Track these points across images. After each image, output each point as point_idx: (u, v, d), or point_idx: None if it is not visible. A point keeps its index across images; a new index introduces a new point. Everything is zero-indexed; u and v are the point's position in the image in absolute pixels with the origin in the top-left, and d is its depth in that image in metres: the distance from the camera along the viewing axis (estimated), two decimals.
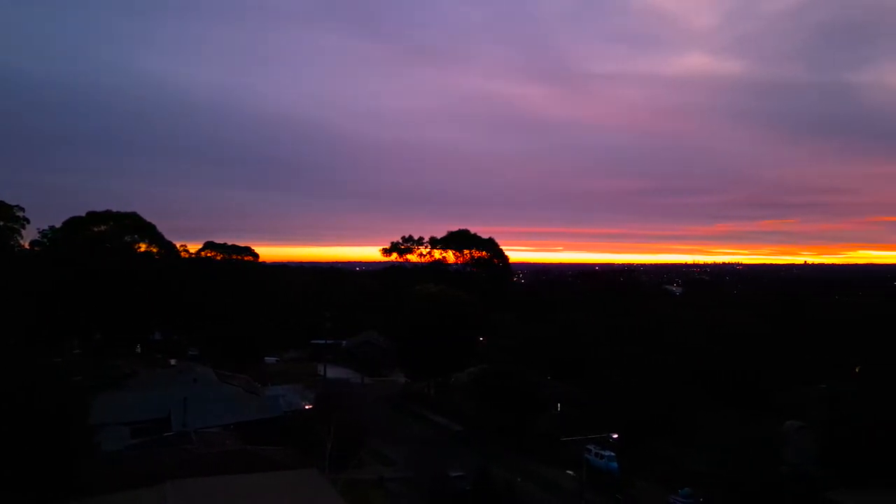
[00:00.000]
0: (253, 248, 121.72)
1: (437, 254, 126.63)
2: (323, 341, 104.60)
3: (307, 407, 60.16)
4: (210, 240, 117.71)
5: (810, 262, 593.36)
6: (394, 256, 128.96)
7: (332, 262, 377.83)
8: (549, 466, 57.07)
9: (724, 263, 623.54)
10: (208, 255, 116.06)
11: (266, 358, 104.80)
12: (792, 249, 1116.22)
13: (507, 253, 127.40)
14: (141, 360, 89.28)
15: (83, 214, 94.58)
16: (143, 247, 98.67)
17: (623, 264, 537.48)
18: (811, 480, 48.55)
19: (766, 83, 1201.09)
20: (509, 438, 64.62)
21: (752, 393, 65.61)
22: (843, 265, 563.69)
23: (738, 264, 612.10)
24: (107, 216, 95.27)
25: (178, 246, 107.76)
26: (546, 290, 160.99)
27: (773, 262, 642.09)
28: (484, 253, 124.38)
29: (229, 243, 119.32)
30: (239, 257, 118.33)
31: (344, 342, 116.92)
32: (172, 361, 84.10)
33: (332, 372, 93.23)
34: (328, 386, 74.78)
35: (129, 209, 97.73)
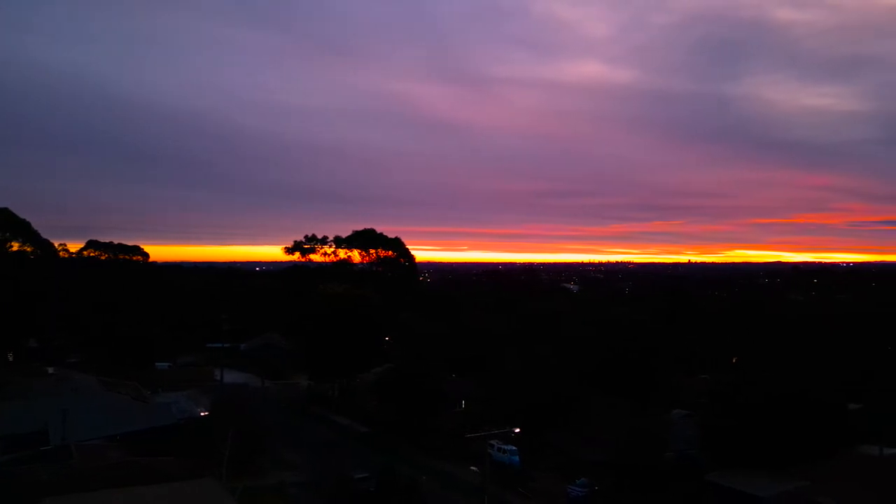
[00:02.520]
0: (142, 247, 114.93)
1: (342, 253, 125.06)
2: (220, 345, 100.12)
3: (202, 414, 57.49)
4: (94, 238, 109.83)
5: (694, 261, 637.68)
6: (296, 256, 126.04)
7: (231, 262, 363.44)
8: (453, 463, 57.76)
9: (617, 262, 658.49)
10: (92, 254, 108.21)
11: (157, 364, 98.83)
12: (678, 249, 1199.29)
13: (413, 252, 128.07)
14: (14, 368, 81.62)
15: None
16: (15, 246, 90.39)
17: (525, 263, 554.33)
18: (694, 465, 52.14)
19: (656, 92, 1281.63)
20: (414, 437, 64.79)
21: (642, 384, 69.46)
22: (722, 263, 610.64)
23: (630, 263, 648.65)
24: None
25: (56, 245, 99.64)
26: (451, 289, 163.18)
27: (661, 260, 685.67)
28: (390, 252, 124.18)
29: (116, 242, 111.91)
30: (127, 257, 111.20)
31: (243, 345, 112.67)
32: (50, 370, 77.43)
33: (230, 376, 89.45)
34: (225, 391, 71.79)
35: None
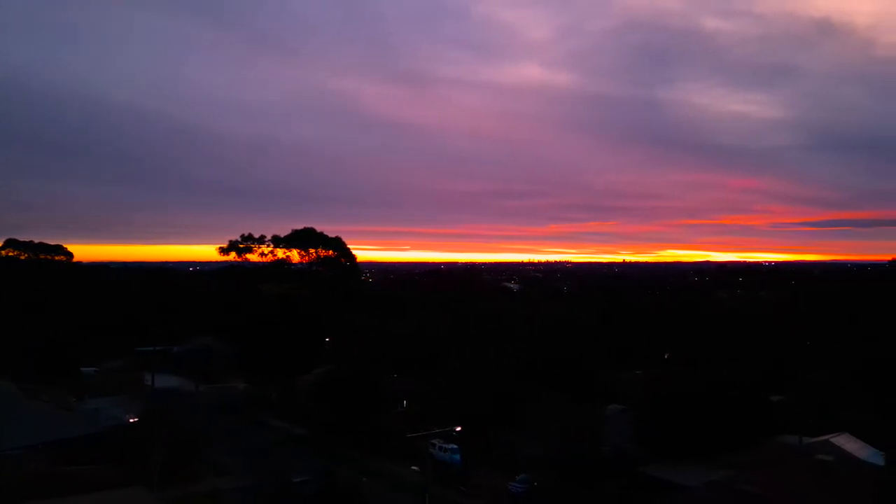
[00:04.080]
0: (65, 246, 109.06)
1: (280, 253, 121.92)
2: (151, 348, 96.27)
3: (132, 420, 55.22)
4: (13, 237, 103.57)
5: (628, 260, 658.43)
6: (232, 256, 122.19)
7: (163, 262, 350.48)
8: (395, 463, 57.50)
9: (556, 262, 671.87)
10: (10, 254, 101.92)
11: (83, 368, 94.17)
12: (613, 248, 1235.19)
13: (354, 252, 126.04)
14: None
15: None
16: None
17: (467, 263, 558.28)
18: (629, 458, 53.81)
19: (592, 96, 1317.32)
20: (356, 438, 64.21)
21: (580, 380, 71.18)
22: (654, 263, 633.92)
23: (568, 262, 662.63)
24: None
25: None
26: (394, 289, 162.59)
27: (598, 260, 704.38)
28: (331, 252, 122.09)
29: (37, 241, 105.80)
30: (49, 257, 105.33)
31: (175, 348, 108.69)
32: None
33: (162, 381, 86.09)
34: (156, 396, 69.15)
35: None
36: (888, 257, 77.22)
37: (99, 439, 50.76)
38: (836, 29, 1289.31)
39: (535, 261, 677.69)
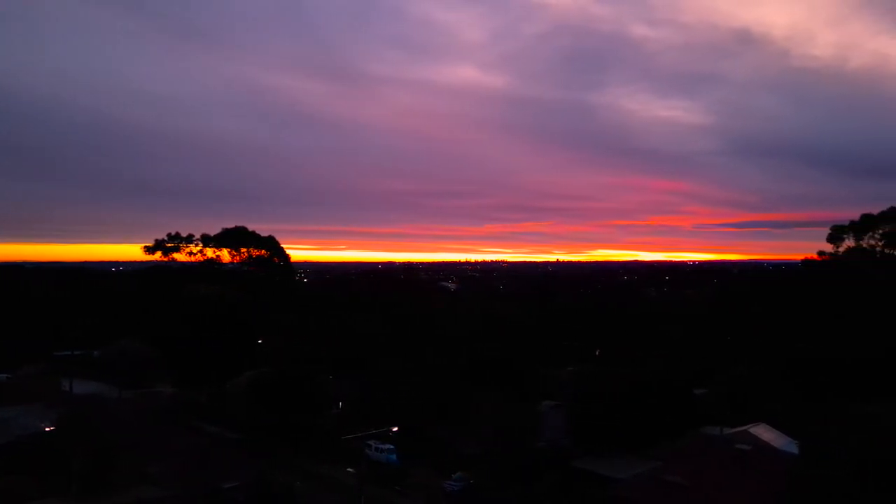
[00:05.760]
0: None
1: (210, 252, 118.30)
2: (69, 352, 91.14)
3: (48, 429, 52.08)
4: None
5: (562, 260, 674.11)
6: (158, 256, 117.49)
7: (83, 262, 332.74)
8: (330, 466, 56.75)
9: (492, 261, 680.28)
10: None
11: None
12: (548, 248, 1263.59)
13: (288, 251, 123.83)
14: None
15: None
16: None
17: (404, 263, 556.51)
18: (563, 453, 55.06)
19: (526, 98, 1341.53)
20: (290, 442, 62.88)
21: (515, 377, 72.27)
22: (586, 262, 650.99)
23: (504, 262, 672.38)
24: None
25: None
26: (330, 289, 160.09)
27: (533, 259, 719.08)
28: (263, 251, 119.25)
29: None
30: None
31: (97, 352, 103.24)
32: None
33: (82, 387, 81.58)
34: (75, 403, 65.45)
35: None
36: (801, 257, 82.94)
37: (11, 450, 47.62)
38: (754, 39, 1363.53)
39: (473, 260, 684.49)
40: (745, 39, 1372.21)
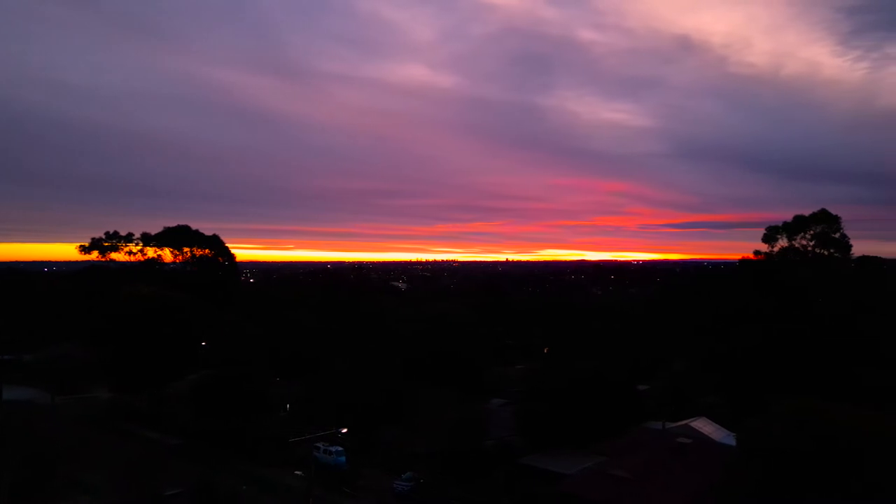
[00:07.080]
0: None
1: (150, 252, 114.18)
2: None
3: None
4: None
5: (511, 260, 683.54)
6: (94, 255, 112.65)
7: (12, 262, 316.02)
8: (278, 469, 55.73)
9: (443, 261, 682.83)
10: None
11: None
12: (498, 248, 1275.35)
13: (234, 251, 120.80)
14: None
15: None
16: None
17: (354, 262, 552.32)
18: (511, 450, 55.69)
19: (475, 99, 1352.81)
20: (235, 446, 61.37)
21: (465, 375, 72.68)
22: (535, 262, 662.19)
23: (454, 261, 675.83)
24: None
25: None
26: (277, 290, 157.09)
27: (483, 259, 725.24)
28: (207, 251, 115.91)
29: None
30: None
31: (27, 357, 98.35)
32: None
33: (12, 393, 77.55)
34: (5, 409, 62.18)
35: None
36: (739, 256, 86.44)
37: None
38: (694, 46, 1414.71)
39: (423, 260, 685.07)
40: (686, 46, 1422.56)
